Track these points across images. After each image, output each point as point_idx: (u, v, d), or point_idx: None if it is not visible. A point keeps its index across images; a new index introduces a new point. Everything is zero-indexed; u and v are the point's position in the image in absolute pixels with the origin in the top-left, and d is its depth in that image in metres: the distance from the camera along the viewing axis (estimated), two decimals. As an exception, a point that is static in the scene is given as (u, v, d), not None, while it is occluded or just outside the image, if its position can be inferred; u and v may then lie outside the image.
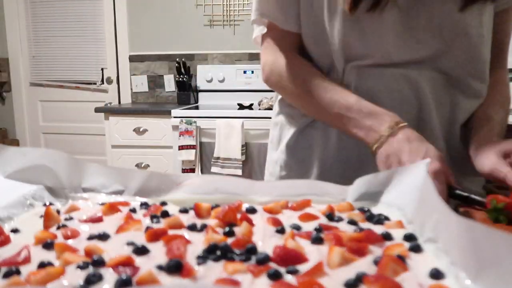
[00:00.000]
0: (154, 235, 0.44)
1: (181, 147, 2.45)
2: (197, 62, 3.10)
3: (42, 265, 0.38)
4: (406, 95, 0.74)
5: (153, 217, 0.51)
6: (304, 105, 0.79)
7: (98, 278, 0.35)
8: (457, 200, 0.59)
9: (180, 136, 2.45)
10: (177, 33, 3.12)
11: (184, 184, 0.60)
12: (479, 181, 0.77)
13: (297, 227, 0.48)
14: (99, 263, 0.38)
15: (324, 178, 0.70)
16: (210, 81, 3.02)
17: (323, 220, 0.51)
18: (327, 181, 0.62)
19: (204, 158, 2.50)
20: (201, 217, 0.51)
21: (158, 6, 3.12)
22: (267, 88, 0.87)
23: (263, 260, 0.38)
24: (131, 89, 3.27)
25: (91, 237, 0.45)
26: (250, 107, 2.61)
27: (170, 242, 0.42)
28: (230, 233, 0.45)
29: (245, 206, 0.54)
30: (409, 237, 0.44)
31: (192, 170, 2.50)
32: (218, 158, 2.41)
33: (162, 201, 0.57)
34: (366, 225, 0.49)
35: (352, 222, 0.50)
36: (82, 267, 0.37)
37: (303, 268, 0.37)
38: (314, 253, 0.41)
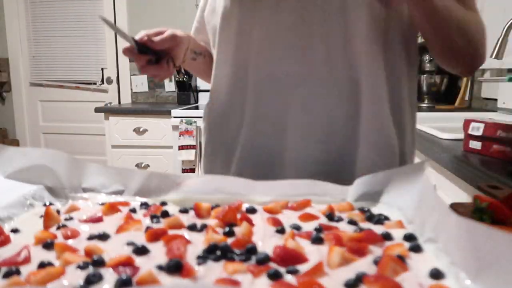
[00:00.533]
0: (154, 235, 0.44)
1: (181, 147, 2.45)
2: (197, 62, 3.10)
3: (42, 265, 0.38)
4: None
5: (153, 217, 0.51)
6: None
7: (98, 278, 0.35)
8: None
9: (180, 136, 2.45)
10: (177, 33, 3.11)
11: (184, 184, 0.60)
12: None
13: (297, 227, 0.48)
14: (99, 263, 0.38)
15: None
16: (210, 81, 3.01)
17: (323, 220, 0.51)
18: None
19: (204, 158, 2.50)
20: (201, 217, 0.51)
21: (158, 6, 3.12)
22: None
23: (263, 260, 0.38)
24: (131, 89, 3.27)
25: (91, 237, 0.45)
26: (250, 107, 2.61)
27: (170, 242, 0.42)
28: (230, 233, 0.45)
29: (245, 206, 0.54)
30: (409, 237, 0.44)
31: (192, 170, 2.50)
32: (218, 158, 2.41)
33: (162, 201, 0.57)
34: (366, 225, 0.49)
35: (352, 222, 0.50)
36: (82, 267, 0.37)
37: (303, 268, 0.37)
38: (314, 253, 0.41)
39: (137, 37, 0.69)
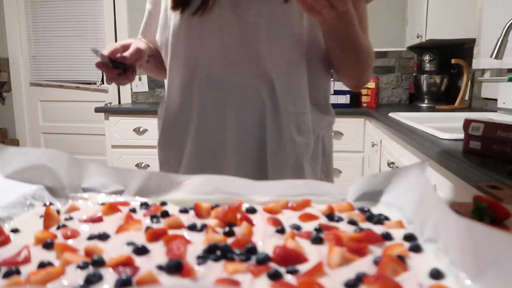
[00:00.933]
0: (154, 235, 0.44)
1: (181, 147, 2.45)
2: (197, 62, 3.10)
3: (42, 265, 0.38)
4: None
5: (153, 217, 0.51)
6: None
7: (98, 278, 0.35)
8: None
9: (180, 136, 2.45)
10: (177, 33, 3.12)
11: (184, 184, 0.60)
12: None
13: (297, 227, 0.48)
14: (99, 263, 0.38)
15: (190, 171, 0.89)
16: (210, 81, 3.02)
17: (323, 220, 0.51)
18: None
19: (204, 158, 2.50)
20: (201, 217, 0.51)
21: (158, 6, 3.12)
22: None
23: (263, 260, 0.38)
24: (131, 89, 3.27)
25: (91, 237, 0.45)
26: (250, 107, 2.61)
27: (170, 242, 0.42)
28: (230, 233, 0.45)
29: (245, 206, 0.54)
30: (409, 237, 0.44)
31: (192, 170, 2.49)
32: (218, 158, 2.41)
33: (162, 201, 0.57)
34: (366, 225, 0.49)
35: (352, 222, 0.50)
36: (82, 267, 0.37)
37: (303, 268, 0.37)
38: (314, 253, 0.41)
39: (105, 52, 0.85)
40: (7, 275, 0.36)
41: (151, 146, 2.65)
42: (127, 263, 0.38)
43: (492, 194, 0.58)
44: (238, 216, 0.49)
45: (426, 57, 2.75)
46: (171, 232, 0.46)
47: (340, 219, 0.51)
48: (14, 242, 0.44)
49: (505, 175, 0.59)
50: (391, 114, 1.97)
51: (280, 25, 0.84)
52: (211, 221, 0.49)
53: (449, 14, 2.34)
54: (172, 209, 0.54)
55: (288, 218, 0.51)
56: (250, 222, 0.48)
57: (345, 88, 2.25)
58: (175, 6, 0.87)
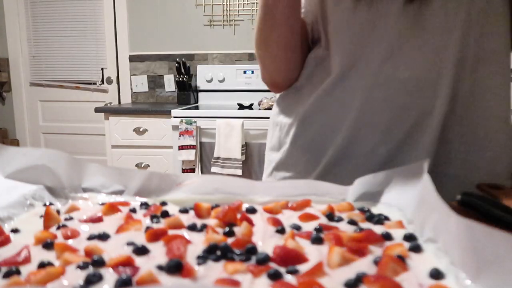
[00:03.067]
0: (154, 235, 0.44)
1: (181, 147, 2.45)
2: (197, 62, 3.11)
3: (42, 265, 0.38)
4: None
5: (153, 217, 0.51)
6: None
7: (98, 278, 0.35)
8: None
9: (180, 136, 2.45)
10: (177, 33, 3.12)
11: (184, 184, 0.60)
12: None
13: (297, 227, 0.48)
14: (99, 263, 0.38)
15: (329, 175, 0.69)
16: (210, 81, 3.02)
17: (323, 220, 0.51)
18: (331, 177, 0.60)
19: (204, 158, 2.50)
20: (201, 217, 0.51)
21: (158, 6, 3.12)
22: (267, 88, 0.86)
23: (263, 260, 0.38)
24: (131, 89, 3.27)
25: (91, 237, 0.45)
26: (250, 107, 2.61)
27: (170, 242, 0.42)
28: (230, 233, 0.45)
29: (245, 206, 0.54)
30: (409, 237, 0.44)
31: (192, 170, 2.50)
32: (218, 158, 2.42)
33: (162, 201, 0.57)
34: (366, 225, 0.49)
35: (352, 222, 0.50)
36: (82, 267, 0.37)
37: (303, 268, 0.37)
38: (314, 253, 0.41)
39: None
40: (7, 275, 0.36)
41: (151, 146, 2.66)
42: (127, 263, 0.38)
43: (492, 194, 0.58)
44: (238, 216, 0.49)
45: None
46: (171, 232, 0.46)
47: (340, 219, 0.51)
48: (14, 242, 0.44)
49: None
50: None
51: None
52: (211, 221, 0.49)
53: None
54: (172, 209, 0.54)
55: (288, 218, 0.51)
56: (250, 222, 0.48)
57: None
58: None
